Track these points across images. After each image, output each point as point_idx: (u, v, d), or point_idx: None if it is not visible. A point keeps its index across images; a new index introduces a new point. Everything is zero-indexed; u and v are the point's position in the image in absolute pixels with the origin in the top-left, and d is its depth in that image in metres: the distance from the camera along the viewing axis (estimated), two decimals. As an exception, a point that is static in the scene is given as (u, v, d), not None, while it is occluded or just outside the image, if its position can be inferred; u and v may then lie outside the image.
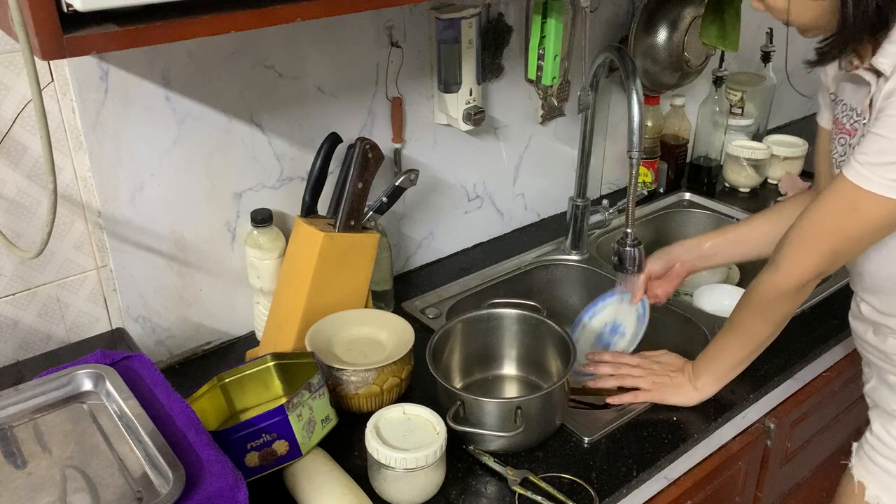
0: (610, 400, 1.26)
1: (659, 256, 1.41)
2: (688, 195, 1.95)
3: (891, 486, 1.22)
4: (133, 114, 1.16)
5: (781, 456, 1.48)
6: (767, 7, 1.05)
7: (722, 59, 2.00)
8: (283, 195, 1.37)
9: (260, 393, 1.18)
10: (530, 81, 1.63)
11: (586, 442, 1.17)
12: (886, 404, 1.22)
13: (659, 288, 1.41)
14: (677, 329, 1.48)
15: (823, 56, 1.04)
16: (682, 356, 1.30)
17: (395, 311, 1.43)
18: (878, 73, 1.02)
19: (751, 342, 1.20)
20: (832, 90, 1.18)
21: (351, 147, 1.25)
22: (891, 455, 1.21)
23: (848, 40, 0.99)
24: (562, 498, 1.06)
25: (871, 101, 1.04)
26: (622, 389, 1.27)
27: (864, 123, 1.07)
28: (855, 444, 1.29)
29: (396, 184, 1.32)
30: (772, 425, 1.40)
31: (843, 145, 1.13)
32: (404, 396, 1.23)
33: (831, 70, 1.17)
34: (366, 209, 1.28)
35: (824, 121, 1.23)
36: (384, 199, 1.32)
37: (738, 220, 1.85)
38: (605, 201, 1.69)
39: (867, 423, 1.27)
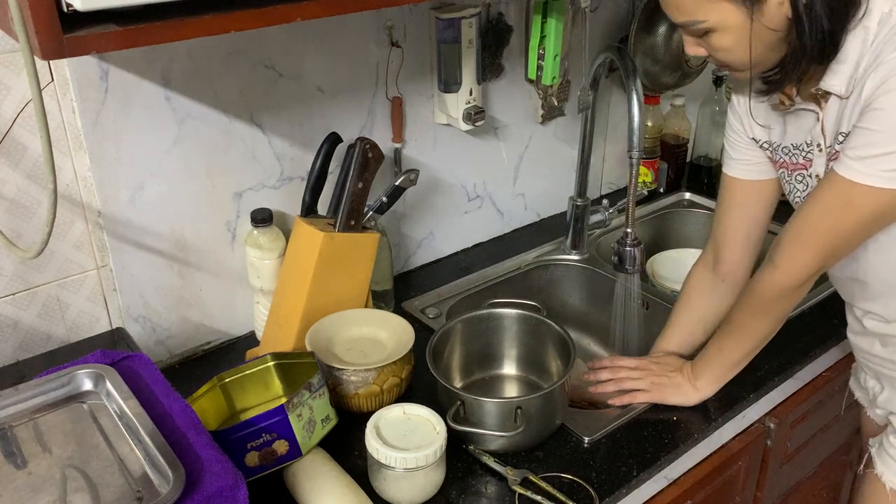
0: (611, 401, 1.26)
1: None
2: (688, 195, 1.95)
3: None
4: (133, 114, 1.16)
5: (781, 456, 1.48)
6: (711, 49, 1.02)
7: (722, 59, 2.00)
8: (283, 195, 1.37)
9: (260, 393, 1.18)
10: (530, 81, 1.63)
11: (586, 442, 1.17)
12: None
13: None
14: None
15: (776, 84, 1.04)
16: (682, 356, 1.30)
17: (395, 311, 1.43)
18: (820, 100, 1.05)
19: (750, 341, 1.20)
20: (762, 139, 1.18)
21: (351, 147, 1.25)
22: None
23: (801, 65, 0.99)
24: (562, 498, 1.06)
25: (823, 125, 1.06)
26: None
27: (820, 150, 1.08)
28: (872, 450, 1.27)
29: (396, 184, 1.32)
30: (772, 425, 1.39)
31: (801, 181, 1.15)
32: (404, 396, 1.23)
33: (755, 123, 1.17)
34: (366, 209, 1.28)
35: (737, 171, 1.22)
36: (384, 198, 1.32)
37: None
38: (605, 201, 1.68)
39: (884, 427, 1.26)
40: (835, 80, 1.01)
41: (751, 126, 1.18)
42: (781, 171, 1.18)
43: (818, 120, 1.07)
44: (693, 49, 1.05)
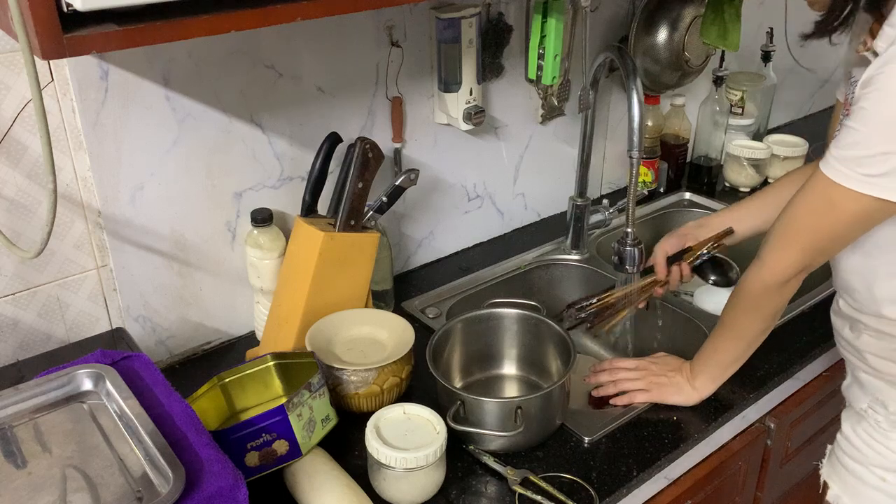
0: (612, 401, 1.26)
1: (675, 234, 1.38)
2: (688, 195, 1.95)
3: (855, 489, 1.21)
4: (133, 113, 1.16)
5: (781, 456, 1.48)
6: None
7: (722, 59, 2.00)
8: (283, 195, 1.37)
9: (260, 393, 1.18)
10: (530, 81, 1.63)
11: (586, 442, 1.17)
12: (856, 402, 1.21)
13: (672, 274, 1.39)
14: (677, 329, 1.48)
15: (820, 28, 1.01)
16: (683, 356, 1.30)
17: (395, 311, 1.43)
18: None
19: (743, 339, 1.20)
20: (849, 68, 1.16)
21: (351, 147, 1.25)
22: (856, 455, 1.20)
23: (845, 10, 0.97)
24: (562, 498, 1.06)
25: None
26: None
27: None
28: (829, 447, 1.29)
29: (396, 183, 1.32)
30: (772, 425, 1.40)
31: (842, 123, 1.12)
32: (404, 396, 1.23)
33: (850, 50, 1.15)
34: (366, 209, 1.28)
35: (841, 94, 1.21)
36: (384, 198, 1.32)
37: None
38: (605, 201, 1.68)
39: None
40: (881, 42, 0.97)
41: (848, 54, 1.16)
42: (843, 106, 1.15)
43: None
44: None
